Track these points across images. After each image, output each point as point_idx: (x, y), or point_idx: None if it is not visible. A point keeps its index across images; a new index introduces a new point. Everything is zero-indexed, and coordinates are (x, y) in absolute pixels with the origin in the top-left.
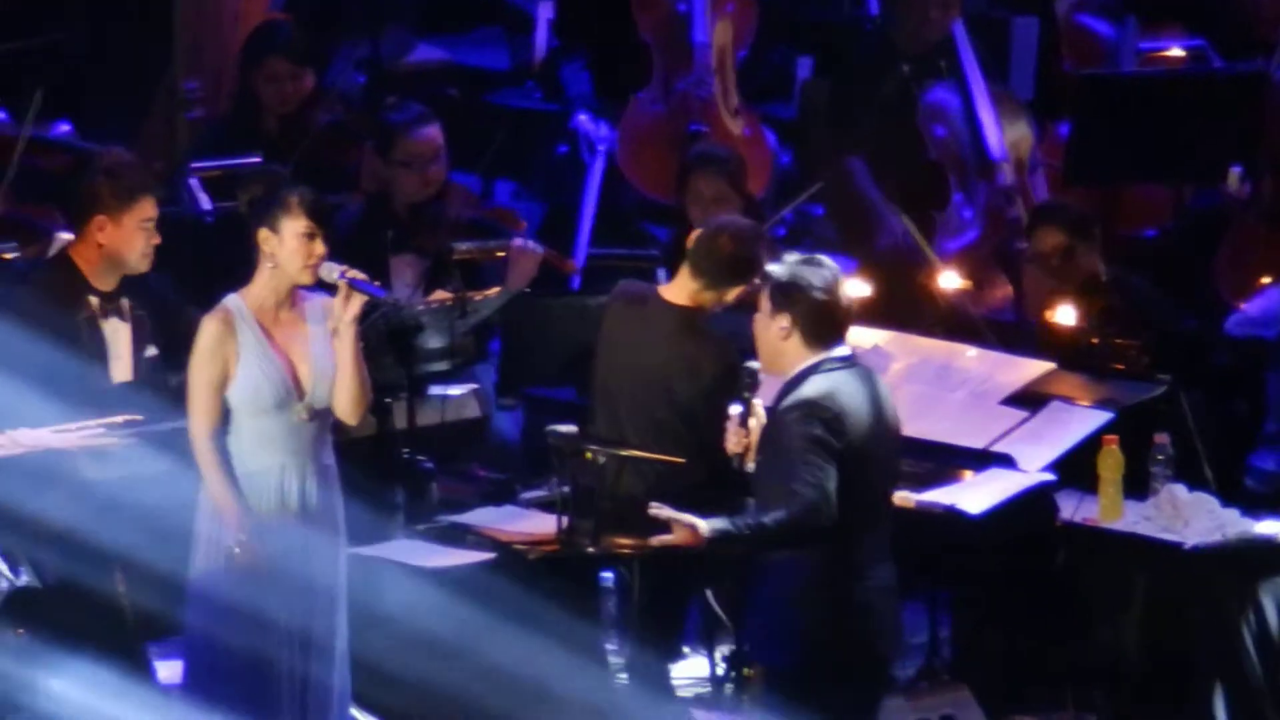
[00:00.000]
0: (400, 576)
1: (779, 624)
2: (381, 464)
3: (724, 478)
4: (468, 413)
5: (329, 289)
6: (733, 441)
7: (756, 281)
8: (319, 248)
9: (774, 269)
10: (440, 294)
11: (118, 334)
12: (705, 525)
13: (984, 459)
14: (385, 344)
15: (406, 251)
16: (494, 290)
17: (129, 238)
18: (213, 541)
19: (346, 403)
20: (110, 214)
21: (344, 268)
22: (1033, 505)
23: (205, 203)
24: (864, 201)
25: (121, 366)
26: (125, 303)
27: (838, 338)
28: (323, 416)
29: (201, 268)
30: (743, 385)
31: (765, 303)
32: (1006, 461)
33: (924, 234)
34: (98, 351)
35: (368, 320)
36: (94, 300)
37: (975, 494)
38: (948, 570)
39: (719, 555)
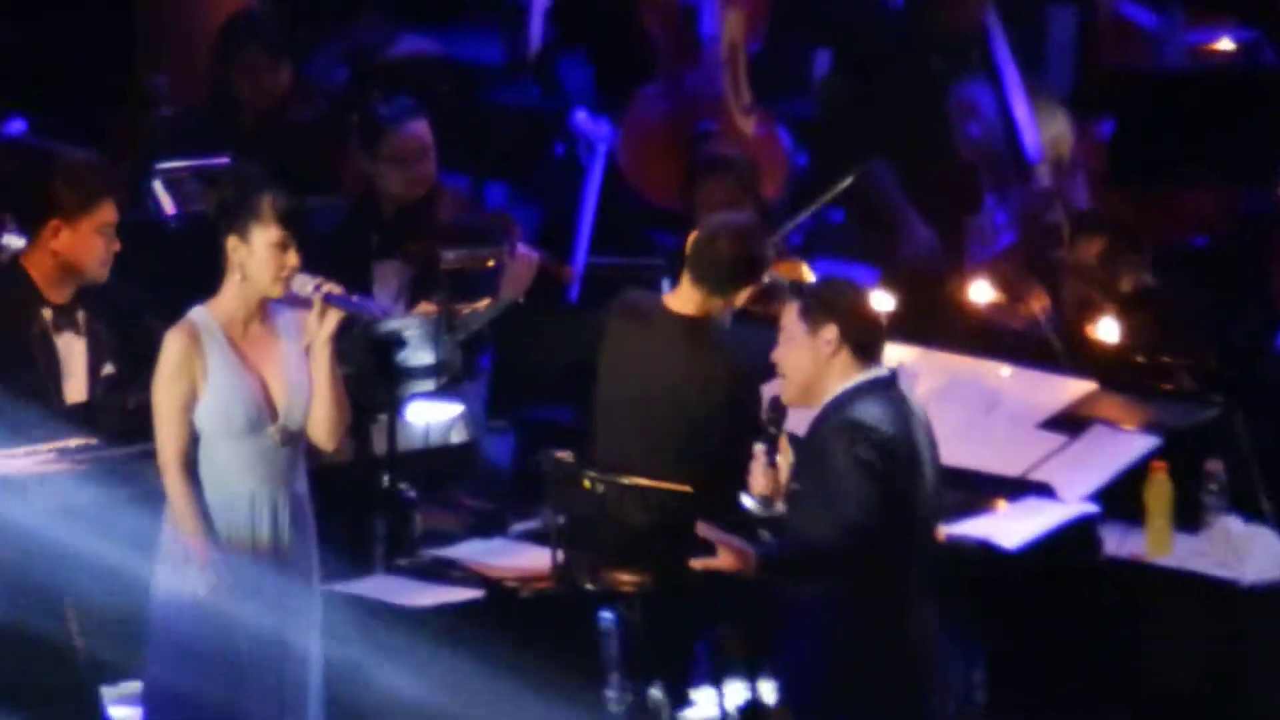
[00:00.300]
0: (379, 616)
1: (814, 666)
2: (359, 492)
3: (733, 508)
4: (455, 436)
5: (304, 301)
6: (759, 483)
7: (765, 281)
8: (292, 259)
9: (804, 286)
10: (426, 306)
11: (72, 350)
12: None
13: (1020, 488)
14: (365, 360)
15: (391, 257)
16: (485, 302)
17: (87, 245)
18: (176, 580)
19: (323, 426)
20: (67, 219)
21: (319, 280)
22: (1073, 539)
23: (171, 207)
24: (888, 206)
25: (76, 385)
26: (81, 316)
27: (880, 354)
28: (296, 440)
29: (166, 278)
30: (768, 419)
31: (798, 322)
32: (1045, 491)
33: (954, 240)
34: (50, 369)
35: (346, 334)
36: (47, 313)
37: (1011, 526)
38: (982, 609)
39: (731, 590)
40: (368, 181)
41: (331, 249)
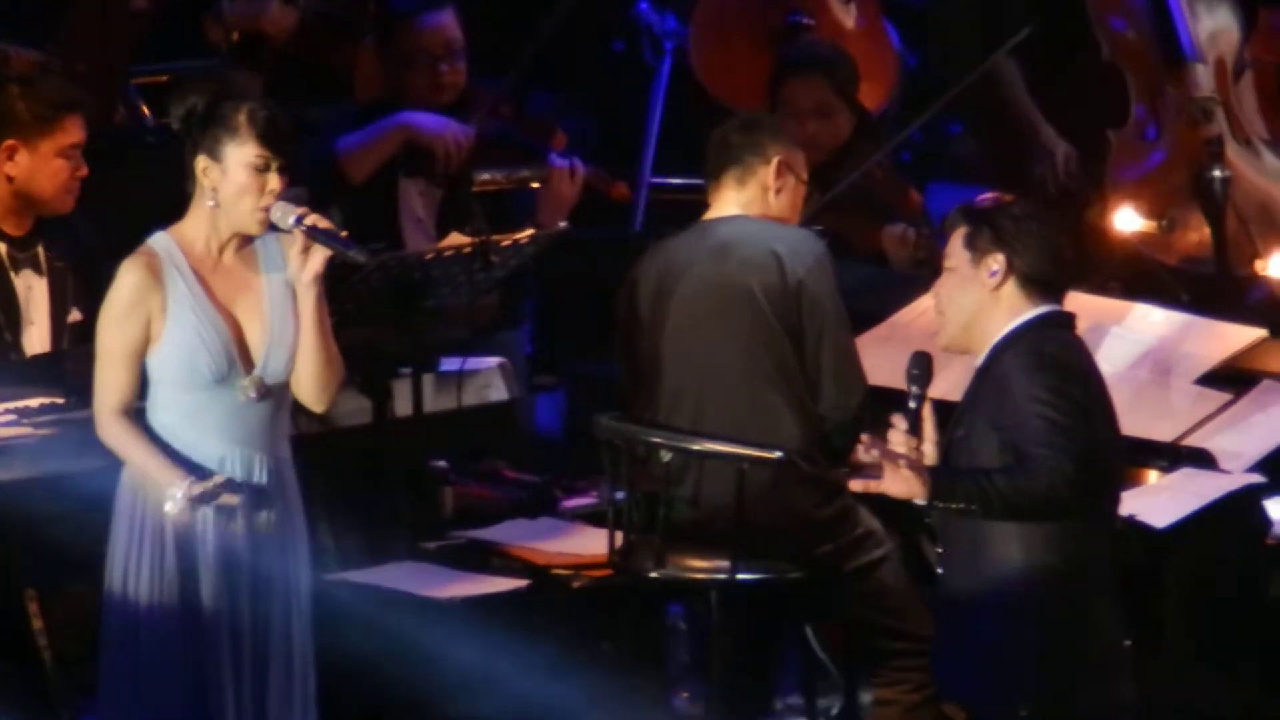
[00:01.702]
0: (403, 610)
1: (998, 655)
2: (380, 462)
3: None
4: (493, 395)
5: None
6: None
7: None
8: (274, 182)
9: (973, 207)
10: (457, 237)
11: (33, 292)
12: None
13: (1173, 456)
14: (384, 303)
15: (415, 177)
16: (527, 232)
17: (47, 169)
18: (135, 534)
19: (309, 384)
20: (24, 137)
21: (302, 210)
22: (1236, 516)
23: (149, 121)
24: (1017, 117)
25: (37, 334)
26: (43, 252)
27: (1059, 294)
28: (278, 396)
29: (143, 206)
30: (910, 378)
31: (962, 250)
32: (1202, 460)
33: (1095, 159)
34: (7, 314)
35: (361, 271)
36: (3, 248)
37: (1161, 501)
38: (1125, 598)
39: (827, 581)
40: (385, 87)
41: (344, 169)
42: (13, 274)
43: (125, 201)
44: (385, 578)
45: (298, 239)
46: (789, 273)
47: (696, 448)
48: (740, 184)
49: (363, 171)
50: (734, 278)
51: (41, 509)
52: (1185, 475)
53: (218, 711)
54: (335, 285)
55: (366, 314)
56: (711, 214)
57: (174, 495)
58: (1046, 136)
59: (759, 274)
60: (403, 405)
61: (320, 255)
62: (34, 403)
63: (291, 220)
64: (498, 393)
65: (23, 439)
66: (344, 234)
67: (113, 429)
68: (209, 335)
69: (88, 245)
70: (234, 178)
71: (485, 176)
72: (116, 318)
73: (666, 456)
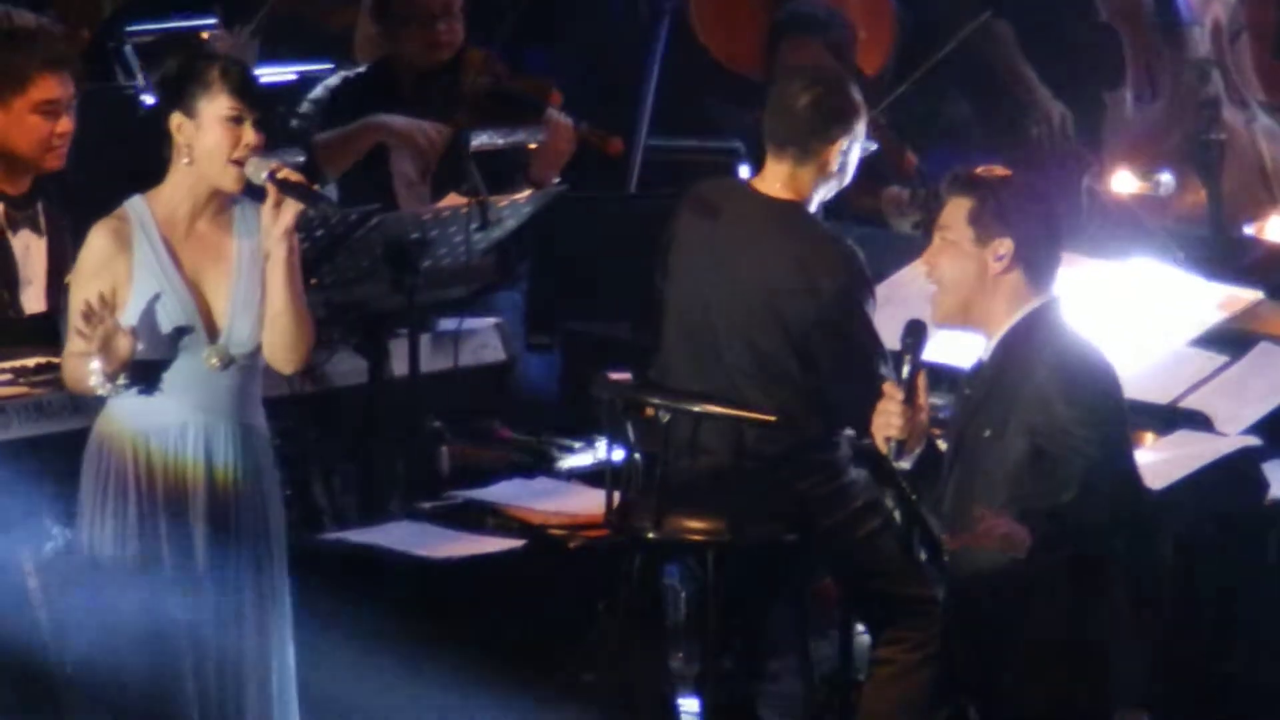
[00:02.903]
0: (399, 570)
1: (1007, 649)
2: (376, 422)
3: (833, 443)
4: (489, 355)
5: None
6: (894, 424)
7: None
8: (249, 136)
9: (980, 180)
10: (453, 197)
11: (30, 251)
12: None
13: (1169, 418)
14: (379, 263)
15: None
16: (524, 193)
17: (22, 126)
18: (99, 486)
19: (278, 345)
20: None
21: (274, 164)
22: (1232, 479)
23: (143, 79)
24: (1011, 78)
25: (35, 293)
26: (41, 210)
27: (1053, 280)
28: (247, 364)
29: (139, 163)
30: (904, 345)
31: (965, 225)
32: (1198, 421)
33: (1090, 121)
34: (5, 273)
35: (362, 229)
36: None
37: (1158, 463)
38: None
39: (821, 543)
40: (381, 46)
41: (332, 126)
42: (10, 233)
43: (121, 159)
44: (381, 537)
45: (269, 193)
46: (812, 301)
47: (696, 409)
48: (799, 163)
49: (337, 169)
50: (759, 286)
51: (38, 468)
52: (1182, 437)
53: (172, 665)
54: (333, 246)
55: (363, 274)
56: (764, 185)
57: (94, 368)
58: (1041, 98)
59: (787, 272)
60: (399, 365)
61: (291, 209)
62: (31, 362)
63: (264, 174)
64: (494, 353)
65: (20, 398)
66: (315, 187)
67: (75, 386)
68: (171, 303)
69: (86, 204)
70: (208, 132)
71: (482, 139)
72: (83, 279)
73: (665, 417)
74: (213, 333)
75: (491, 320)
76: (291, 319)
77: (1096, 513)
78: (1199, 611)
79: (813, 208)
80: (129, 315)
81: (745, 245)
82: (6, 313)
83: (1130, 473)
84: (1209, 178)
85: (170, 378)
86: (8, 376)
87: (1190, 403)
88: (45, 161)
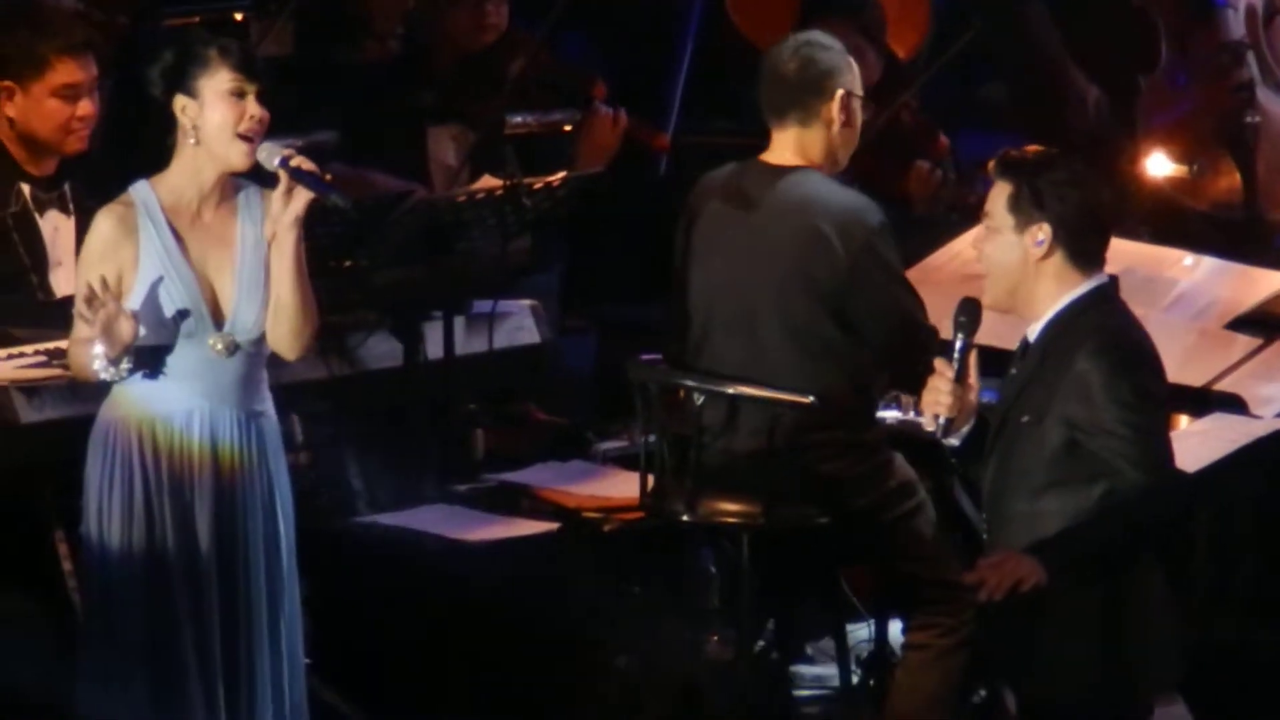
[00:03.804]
0: (433, 553)
1: (1078, 654)
2: (410, 405)
3: (869, 420)
4: (524, 337)
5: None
6: (943, 401)
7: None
8: (254, 108)
9: (1017, 154)
10: (489, 180)
11: (59, 233)
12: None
13: (1203, 401)
14: (416, 246)
15: (450, 122)
16: (559, 176)
17: (41, 110)
18: (107, 473)
19: (284, 332)
20: (17, 78)
21: (287, 151)
22: (1267, 462)
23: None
24: (1045, 61)
25: (64, 274)
26: (69, 191)
27: (1102, 259)
28: (253, 350)
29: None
30: (957, 324)
31: (1005, 212)
32: (1232, 404)
33: (1125, 105)
34: (33, 255)
35: (398, 211)
36: (26, 189)
37: (1192, 446)
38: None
39: (857, 525)
40: (419, 27)
41: (371, 115)
42: (38, 215)
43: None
44: (416, 520)
45: (281, 180)
46: (838, 255)
47: (730, 391)
48: (804, 126)
49: None
50: (786, 233)
51: (70, 450)
52: (1216, 420)
53: (177, 656)
54: (368, 228)
55: (398, 256)
56: (773, 156)
57: (97, 352)
58: (1076, 81)
59: (810, 253)
60: (434, 348)
61: (302, 198)
62: (62, 344)
63: (276, 161)
64: (529, 335)
65: (52, 380)
66: (328, 178)
67: (72, 349)
68: (177, 290)
69: (117, 186)
70: (212, 108)
71: (517, 120)
72: (89, 264)
73: (699, 400)
74: (218, 319)
75: (527, 303)
76: (297, 306)
77: (1131, 511)
78: (1233, 594)
79: (842, 166)
80: (134, 301)
81: (766, 217)
82: (36, 295)
83: (1166, 470)
84: (1243, 160)
85: (176, 364)
86: (40, 358)
87: (1224, 386)
88: (66, 145)
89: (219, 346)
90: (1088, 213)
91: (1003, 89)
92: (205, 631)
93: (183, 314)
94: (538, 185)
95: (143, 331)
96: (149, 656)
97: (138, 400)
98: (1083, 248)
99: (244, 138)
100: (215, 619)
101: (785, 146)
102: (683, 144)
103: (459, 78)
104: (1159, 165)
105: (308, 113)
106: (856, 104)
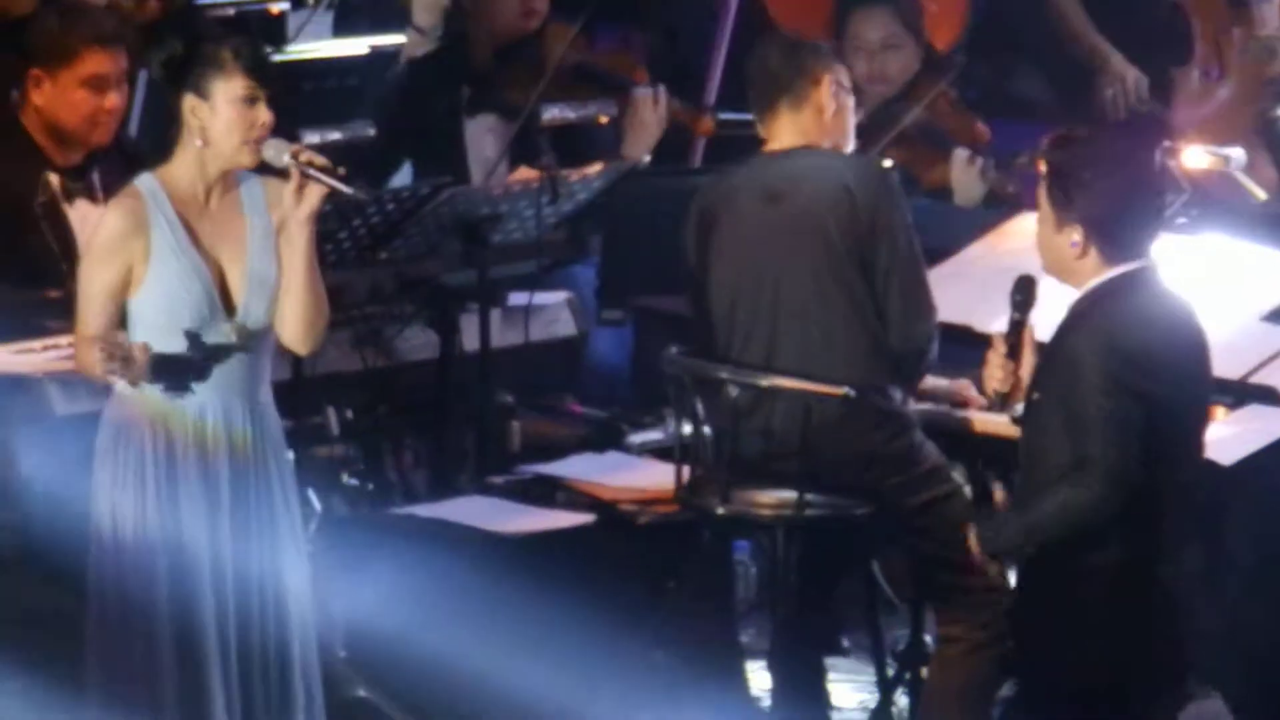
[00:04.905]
0: (468, 544)
1: (1058, 630)
2: (447, 397)
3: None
4: (560, 329)
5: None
6: (996, 376)
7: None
8: (263, 115)
9: (1053, 151)
10: (525, 171)
11: (87, 221)
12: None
13: (1240, 393)
14: (450, 237)
15: (487, 113)
16: (595, 167)
17: (68, 100)
18: (118, 473)
19: (295, 326)
20: (46, 67)
21: (297, 148)
22: None
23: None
24: (1083, 48)
25: None
26: (97, 180)
27: (1142, 246)
28: (260, 341)
29: None
30: (1014, 301)
31: (1045, 204)
32: (1269, 396)
33: (1159, 99)
34: (61, 245)
35: (433, 202)
36: (54, 179)
37: (1228, 437)
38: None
39: (894, 517)
40: (457, 15)
41: (407, 108)
42: (66, 205)
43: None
44: (451, 512)
45: (293, 176)
46: (860, 205)
47: (765, 383)
48: (795, 111)
49: None
50: (804, 211)
51: None
52: (1252, 412)
53: (199, 649)
54: (404, 220)
55: (434, 248)
56: (773, 145)
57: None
58: (1116, 63)
59: (829, 207)
60: (470, 340)
61: (316, 193)
62: None
63: (286, 158)
64: (565, 327)
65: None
66: (340, 171)
67: (83, 348)
68: (190, 281)
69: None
70: (222, 114)
71: (553, 113)
72: (98, 259)
73: (734, 391)
74: (230, 310)
75: (563, 295)
76: (309, 302)
77: (1094, 487)
78: (1271, 586)
79: (850, 144)
80: (147, 293)
81: (782, 199)
82: (65, 286)
83: (1115, 468)
84: (1277, 154)
85: None
86: (72, 349)
87: (1261, 378)
88: (92, 136)
89: (233, 336)
90: (1120, 202)
91: (1040, 80)
92: (223, 625)
93: (195, 305)
94: (573, 177)
95: (155, 321)
96: (175, 659)
97: (149, 396)
98: (1116, 237)
99: (253, 141)
100: (231, 612)
101: (783, 132)
102: (720, 135)
103: (499, 70)
104: (1195, 157)
105: (345, 106)
106: (845, 95)
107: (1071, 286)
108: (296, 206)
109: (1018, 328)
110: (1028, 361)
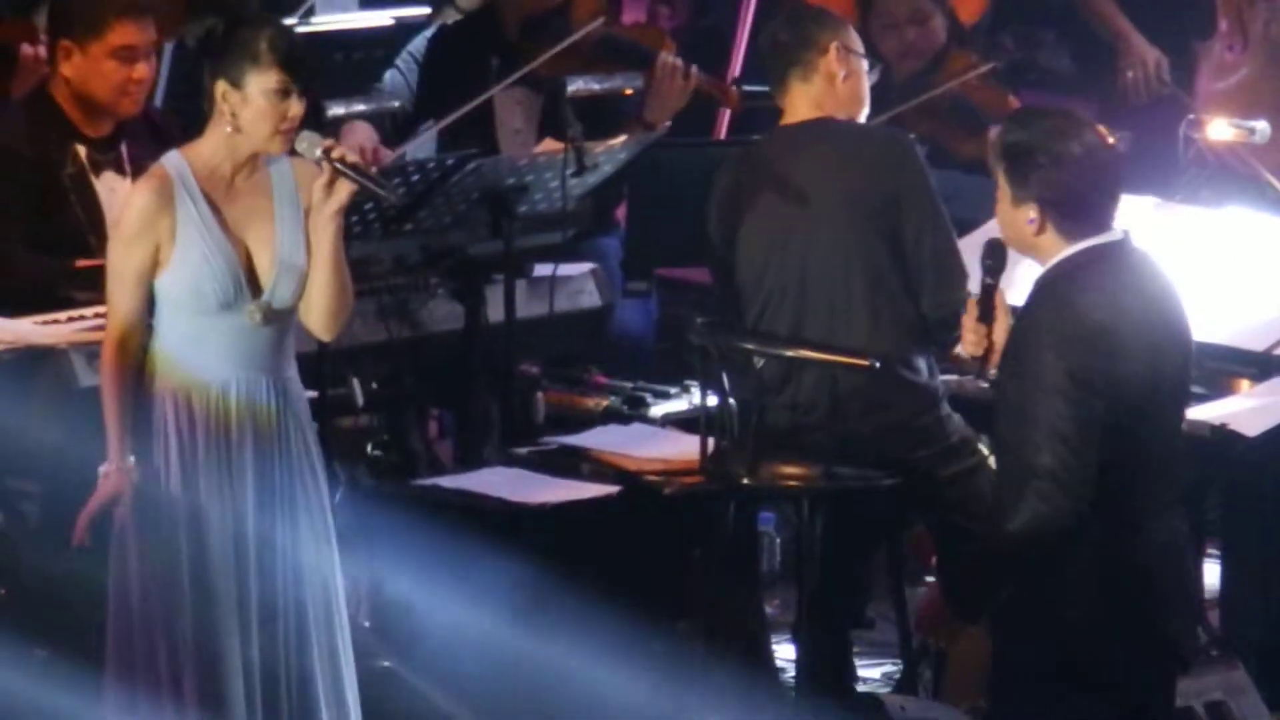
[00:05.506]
0: (494, 515)
1: (1031, 607)
2: (471, 368)
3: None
4: (585, 300)
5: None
6: (970, 340)
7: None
8: (294, 107)
9: (1010, 132)
10: (550, 143)
11: (115, 193)
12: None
13: (1264, 365)
14: (476, 208)
15: (516, 85)
16: (619, 139)
17: (98, 71)
18: (137, 448)
19: (319, 315)
20: (76, 39)
21: (328, 143)
22: None
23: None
24: (1105, 24)
25: None
26: (125, 151)
27: (1102, 220)
28: (284, 319)
29: None
30: (985, 266)
31: (1003, 183)
32: None
33: (1182, 72)
34: (89, 216)
35: (459, 174)
36: (82, 150)
37: (1253, 410)
38: (1217, 511)
39: (920, 490)
40: None
41: (438, 81)
42: (94, 177)
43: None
44: (476, 483)
45: (324, 172)
46: (882, 174)
47: (791, 354)
48: (806, 81)
49: None
50: (827, 182)
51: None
52: (1275, 385)
53: (218, 622)
54: (430, 191)
55: (460, 219)
56: (790, 119)
57: (104, 468)
58: (1137, 44)
59: (852, 177)
60: (495, 311)
61: (345, 190)
62: None
63: (318, 153)
64: (590, 298)
65: None
66: (373, 169)
67: (105, 369)
68: (216, 260)
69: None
70: (255, 104)
71: (578, 85)
72: (126, 240)
73: (760, 363)
74: (255, 289)
75: (588, 266)
76: (334, 293)
77: (1030, 502)
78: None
79: (865, 108)
80: (173, 273)
81: (805, 171)
82: (93, 257)
83: (1085, 472)
84: None
85: (212, 334)
86: (100, 321)
87: None
88: (120, 106)
89: (257, 316)
90: (1071, 188)
91: (1067, 55)
92: (245, 609)
93: (220, 284)
94: (598, 148)
95: (181, 301)
96: (196, 642)
97: (173, 371)
98: (1073, 213)
99: (283, 133)
100: (254, 596)
101: (797, 104)
102: (747, 107)
103: (526, 41)
104: (1219, 130)
105: (371, 78)
106: (856, 60)
107: (1037, 262)
108: (325, 201)
109: (989, 291)
110: (1001, 325)
